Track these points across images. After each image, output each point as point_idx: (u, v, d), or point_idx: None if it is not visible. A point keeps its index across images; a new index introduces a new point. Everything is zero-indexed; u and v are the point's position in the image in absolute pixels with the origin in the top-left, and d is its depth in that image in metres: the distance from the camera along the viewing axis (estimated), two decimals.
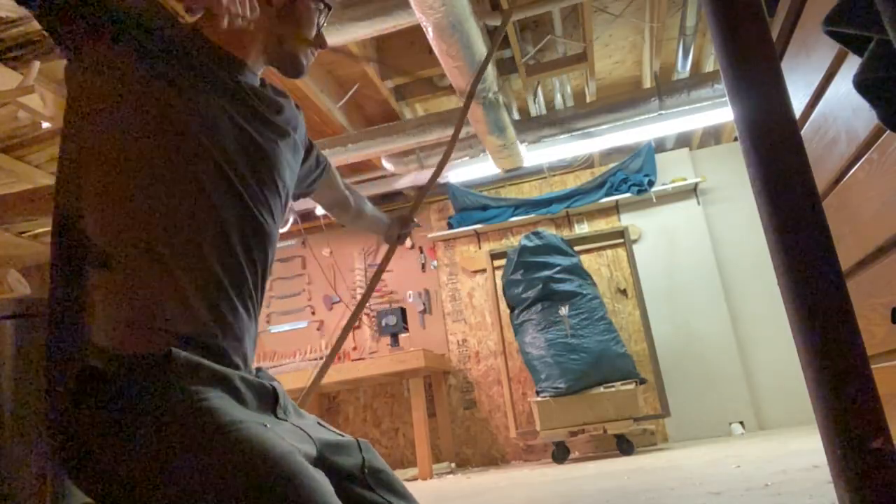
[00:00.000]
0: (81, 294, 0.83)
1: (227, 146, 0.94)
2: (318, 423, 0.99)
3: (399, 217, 1.60)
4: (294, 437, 0.84)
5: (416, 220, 1.62)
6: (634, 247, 4.84)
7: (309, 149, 1.25)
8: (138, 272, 0.83)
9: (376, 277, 1.58)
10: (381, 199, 5.70)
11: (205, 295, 0.86)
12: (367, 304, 5.39)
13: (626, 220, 5.07)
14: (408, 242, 5.44)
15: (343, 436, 0.98)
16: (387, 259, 1.59)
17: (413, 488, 1.01)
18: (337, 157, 4.19)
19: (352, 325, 1.55)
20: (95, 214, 0.85)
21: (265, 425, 0.80)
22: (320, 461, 0.88)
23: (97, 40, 0.89)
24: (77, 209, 0.86)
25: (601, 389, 3.90)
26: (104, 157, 0.87)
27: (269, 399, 0.90)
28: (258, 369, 0.97)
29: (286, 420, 0.91)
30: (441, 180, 4.97)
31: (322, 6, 1.08)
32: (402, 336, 4.79)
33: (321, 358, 5.11)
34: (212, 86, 0.95)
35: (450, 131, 4.05)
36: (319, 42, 1.09)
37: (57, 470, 0.80)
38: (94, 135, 0.88)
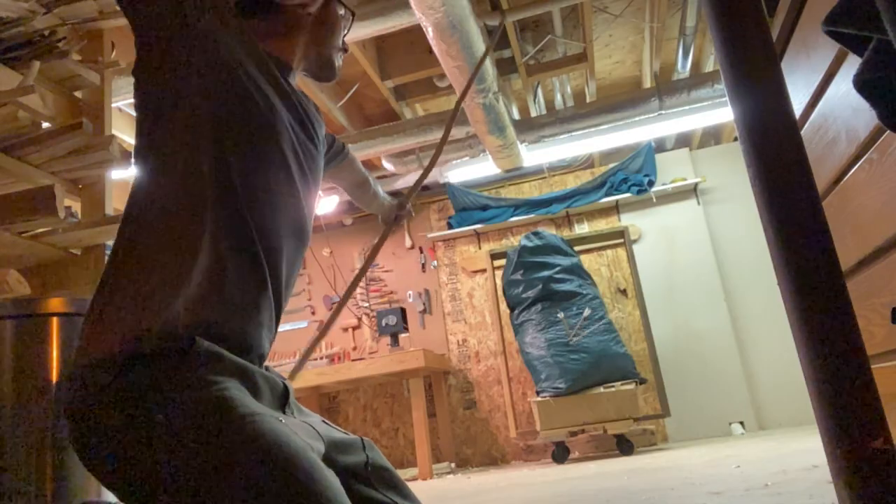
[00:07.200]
0: (115, 280, 0.83)
1: (285, 148, 0.97)
2: (323, 421, 1.00)
3: (398, 202, 1.67)
4: (304, 433, 0.85)
5: (409, 205, 1.67)
6: (634, 247, 4.84)
7: (331, 143, 1.33)
8: (180, 255, 0.83)
9: (373, 255, 1.62)
10: None
11: (245, 287, 0.87)
12: (368, 305, 5.40)
13: (626, 220, 5.06)
14: (407, 241, 5.44)
15: (348, 434, 1.00)
16: (382, 238, 1.66)
17: (413, 488, 1.01)
18: None
19: (347, 298, 1.59)
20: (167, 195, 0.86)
21: (280, 419, 0.80)
22: (327, 459, 0.88)
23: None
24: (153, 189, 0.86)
25: (601, 389, 3.90)
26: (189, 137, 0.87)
27: (280, 396, 0.91)
28: (266, 367, 0.98)
29: (295, 417, 0.92)
30: (441, 180, 4.97)
31: (349, 14, 1.15)
32: (401, 336, 4.79)
33: (321, 358, 5.11)
34: (273, 88, 0.97)
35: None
36: (344, 47, 1.16)
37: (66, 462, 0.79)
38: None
